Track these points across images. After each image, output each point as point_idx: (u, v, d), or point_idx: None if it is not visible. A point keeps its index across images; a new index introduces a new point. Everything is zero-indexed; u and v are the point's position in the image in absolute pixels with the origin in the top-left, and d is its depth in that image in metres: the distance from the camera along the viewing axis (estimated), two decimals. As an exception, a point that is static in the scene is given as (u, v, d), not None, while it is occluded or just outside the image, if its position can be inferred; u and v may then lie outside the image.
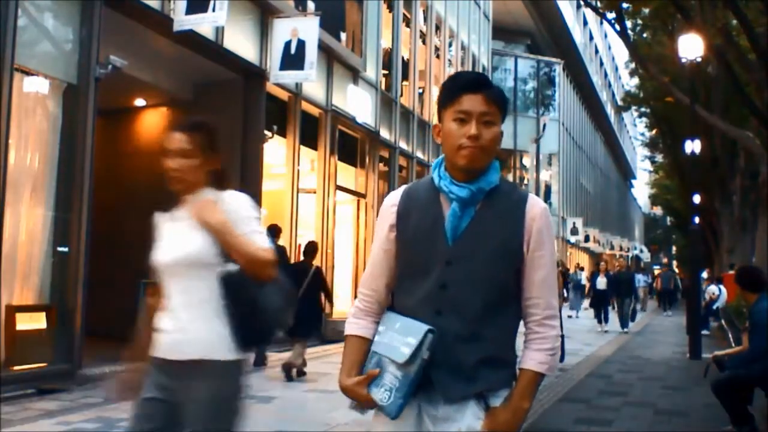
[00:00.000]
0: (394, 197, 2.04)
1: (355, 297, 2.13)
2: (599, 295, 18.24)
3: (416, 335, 1.81)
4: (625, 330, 17.47)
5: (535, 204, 1.94)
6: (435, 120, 2.03)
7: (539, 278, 1.92)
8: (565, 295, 18.85)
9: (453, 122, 1.90)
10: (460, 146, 1.88)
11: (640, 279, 27.83)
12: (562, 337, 9.17)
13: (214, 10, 8.76)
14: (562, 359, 9.25)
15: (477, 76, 1.95)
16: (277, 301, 2.56)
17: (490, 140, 1.89)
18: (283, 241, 10.89)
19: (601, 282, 18.20)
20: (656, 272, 37.64)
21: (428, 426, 1.89)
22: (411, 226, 1.96)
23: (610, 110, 54.72)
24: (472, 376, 1.87)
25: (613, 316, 18.62)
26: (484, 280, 1.88)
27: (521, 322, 1.99)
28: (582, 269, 30.04)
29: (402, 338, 1.84)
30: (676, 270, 56.22)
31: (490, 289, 1.89)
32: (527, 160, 37.87)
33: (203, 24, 9.09)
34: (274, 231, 10.59)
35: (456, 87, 1.92)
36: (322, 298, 9.29)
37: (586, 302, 20.03)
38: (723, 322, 16.02)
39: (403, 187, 2.08)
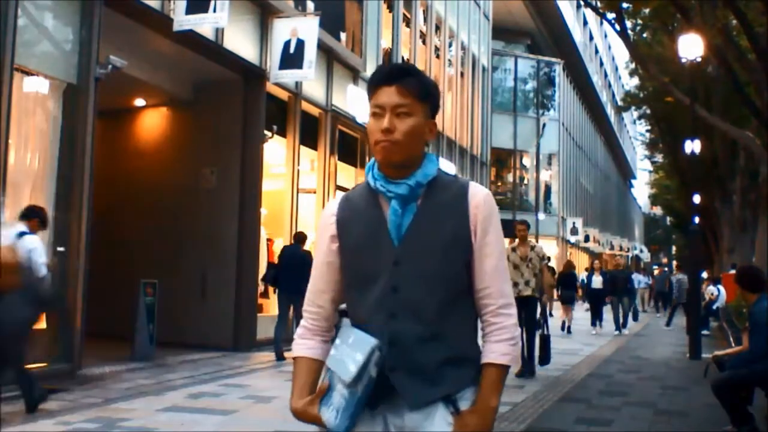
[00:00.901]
0: (332, 207, 1.95)
1: None
2: (594, 294, 17.63)
3: (363, 351, 1.72)
4: (618, 332, 16.73)
5: (477, 192, 1.86)
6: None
7: (490, 267, 1.84)
8: (558, 293, 18.39)
9: (371, 117, 1.84)
10: (376, 141, 1.81)
11: (641, 280, 27.57)
12: (548, 337, 9.19)
13: (215, 11, 8.76)
14: (547, 361, 9.14)
15: (393, 67, 1.86)
16: (19, 313, 2.40)
17: (405, 132, 1.79)
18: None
19: (596, 281, 17.51)
20: (656, 272, 37.59)
21: None
22: (353, 233, 1.88)
23: (610, 110, 54.73)
24: (435, 378, 1.79)
25: (609, 317, 17.80)
26: (436, 277, 1.80)
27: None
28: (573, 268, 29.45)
29: (352, 353, 1.74)
30: (676, 270, 56.14)
31: (443, 285, 1.81)
32: (527, 160, 37.88)
33: (204, 24, 9.10)
34: (299, 238, 10.63)
35: (372, 81, 1.85)
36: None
37: (586, 304, 19.50)
38: (723, 322, 16.03)
39: (340, 195, 2.01)
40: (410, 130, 1.81)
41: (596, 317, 17.35)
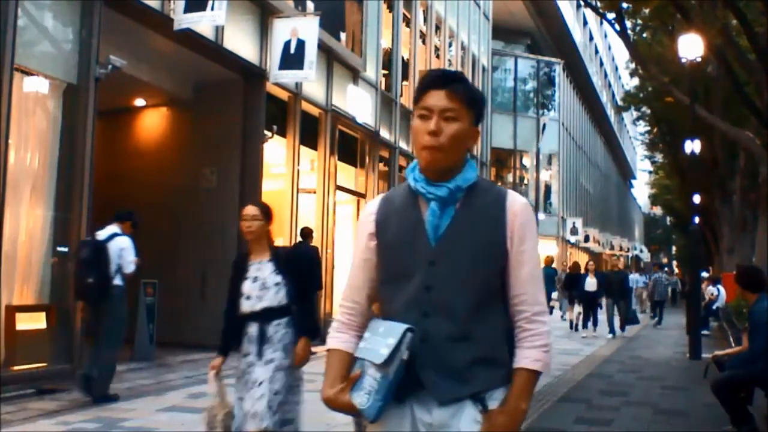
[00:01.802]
0: (372, 206, 2.01)
1: None
2: (588, 297, 16.53)
3: (395, 335, 1.77)
4: (612, 335, 15.93)
5: (516, 200, 1.91)
6: None
7: (525, 274, 1.88)
8: (554, 296, 18.07)
9: (417, 119, 1.89)
10: (422, 145, 1.86)
11: (639, 280, 27.45)
12: None
13: (213, 9, 8.76)
14: None
15: (444, 72, 1.92)
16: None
17: (450, 136, 1.85)
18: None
19: (590, 283, 16.49)
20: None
21: None
22: (391, 231, 1.93)
23: (610, 110, 54.72)
24: (464, 376, 1.83)
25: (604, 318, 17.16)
26: (469, 279, 1.85)
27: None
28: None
29: (383, 340, 1.80)
30: (676, 270, 56.14)
31: (476, 287, 1.85)
32: (527, 160, 37.87)
33: (202, 22, 9.09)
34: (305, 233, 10.70)
35: (422, 84, 1.90)
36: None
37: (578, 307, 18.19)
38: (723, 322, 16.03)
39: (381, 195, 2.06)
40: (455, 134, 1.86)
41: (588, 320, 16.51)
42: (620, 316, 16.71)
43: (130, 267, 7.06)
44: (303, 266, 4.43)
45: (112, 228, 7.11)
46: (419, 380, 1.81)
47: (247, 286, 4.07)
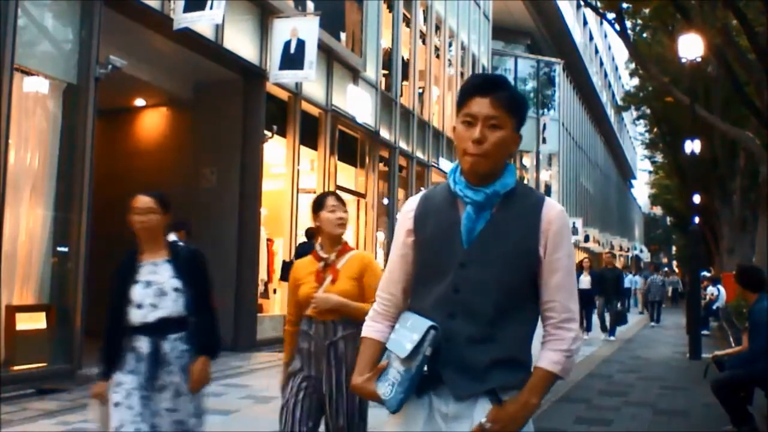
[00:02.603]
0: (412, 203, 2.05)
1: None
2: (581, 296, 16.21)
3: (420, 331, 1.84)
4: (611, 338, 15.07)
5: (552, 207, 1.94)
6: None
7: (556, 282, 1.91)
8: None
9: (461, 125, 1.92)
10: (465, 151, 1.90)
11: (638, 280, 27.38)
12: None
13: (211, 8, 8.77)
14: None
15: (488, 78, 1.95)
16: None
17: (494, 144, 1.88)
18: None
19: (584, 281, 15.45)
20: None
21: (440, 426, 1.91)
22: (428, 229, 1.97)
23: (610, 110, 54.72)
24: (483, 376, 1.88)
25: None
26: (497, 283, 1.88)
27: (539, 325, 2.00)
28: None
29: (409, 334, 1.87)
30: (676, 270, 56.07)
31: (503, 291, 1.89)
32: (527, 160, 37.89)
33: (201, 21, 9.09)
34: (310, 234, 10.72)
35: (466, 90, 1.94)
36: None
37: None
38: (723, 322, 16.03)
39: (422, 192, 2.10)
40: (499, 141, 1.90)
41: (583, 322, 14.97)
42: (610, 317, 15.47)
43: None
44: (204, 269, 3.71)
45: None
46: (438, 376, 1.88)
47: (137, 293, 3.35)
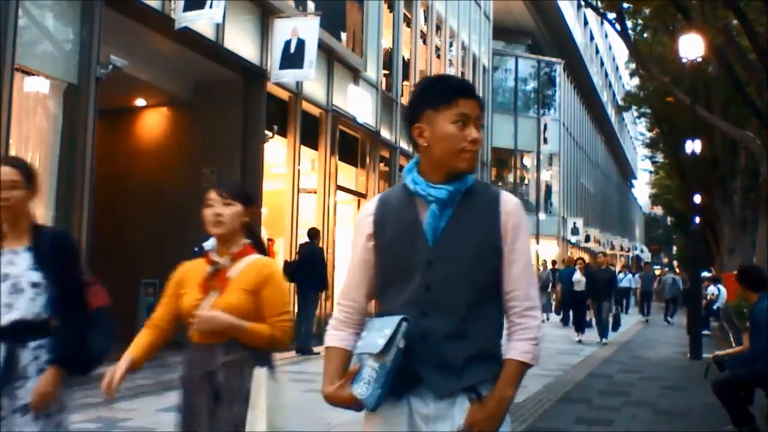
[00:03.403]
0: (370, 207, 2.07)
1: None
2: (576, 297, 14.83)
3: (391, 326, 1.84)
4: (604, 341, 14.05)
5: (509, 200, 1.99)
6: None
7: (516, 271, 1.95)
8: None
9: (452, 125, 1.93)
10: (463, 149, 1.93)
11: (635, 279, 27.26)
12: None
13: (211, 7, 8.78)
14: None
15: (465, 81, 2.05)
16: None
17: (481, 142, 1.98)
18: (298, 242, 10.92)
19: (578, 281, 14.80)
20: (656, 273, 37.49)
21: (420, 427, 1.91)
22: (389, 232, 1.99)
23: (610, 110, 54.71)
24: (460, 372, 1.90)
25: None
26: (466, 278, 1.91)
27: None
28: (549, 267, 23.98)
29: (379, 333, 1.86)
30: (677, 270, 56.01)
31: (473, 286, 1.92)
32: (528, 160, 37.88)
33: (200, 20, 9.10)
34: (312, 234, 10.75)
35: (453, 90, 1.96)
36: None
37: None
38: (723, 322, 16.01)
39: (377, 196, 2.11)
40: (483, 140, 2.05)
41: (573, 320, 15.00)
42: (599, 319, 14.32)
43: None
44: (73, 259, 2.90)
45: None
46: (417, 376, 1.89)
47: None
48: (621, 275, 24.13)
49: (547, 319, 19.28)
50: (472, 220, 1.95)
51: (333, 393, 1.93)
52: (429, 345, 1.89)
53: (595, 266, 16.56)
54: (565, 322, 18.10)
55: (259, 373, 2.64)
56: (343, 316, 2.06)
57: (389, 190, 2.10)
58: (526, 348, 1.92)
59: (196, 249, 10.37)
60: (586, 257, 36.25)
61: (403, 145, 17.80)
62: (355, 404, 1.87)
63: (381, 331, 1.86)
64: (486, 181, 27.04)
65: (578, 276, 14.90)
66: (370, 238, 2.02)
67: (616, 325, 15.24)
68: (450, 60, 22.36)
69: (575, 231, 39.12)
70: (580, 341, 14.20)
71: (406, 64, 18.46)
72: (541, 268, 23.34)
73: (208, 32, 10.04)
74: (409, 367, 1.86)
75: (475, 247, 1.92)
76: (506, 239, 1.94)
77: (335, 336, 2.05)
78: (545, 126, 36.60)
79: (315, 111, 13.42)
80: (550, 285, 20.90)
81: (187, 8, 8.93)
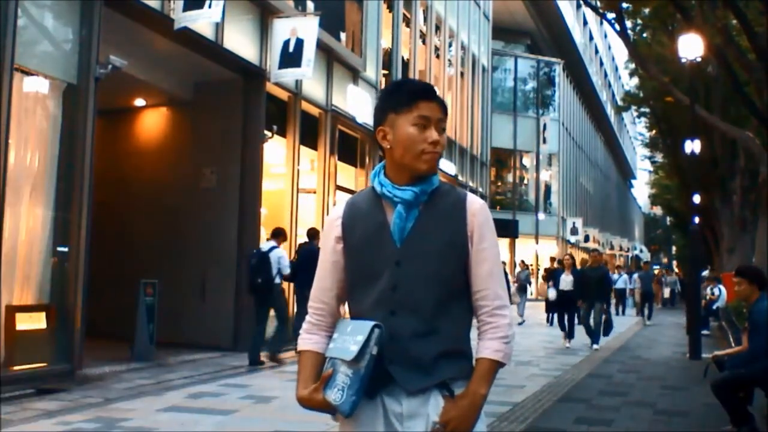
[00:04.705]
0: (339, 210, 2.10)
1: None
2: (563, 298, 13.88)
3: (364, 332, 1.86)
4: (595, 346, 12.84)
5: (474, 201, 2.02)
6: None
7: (485, 271, 1.98)
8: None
9: (412, 127, 1.95)
10: (423, 151, 1.95)
11: (632, 279, 27.18)
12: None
13: (210, 7, 8.78)
14: None
15: (428, 84, 2.05)
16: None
17: (443, 145, 1.98)
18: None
19: (566, 281, 13.84)
20: (656, 273, 37.50)
21: (395, 426, 1.93)
22: (357, 234, 2.02)
23: (610, 110, 54.74)
24: (431, 369, 1.92)
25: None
26: (433, 277, 1.94)
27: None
28: (527, 267, 23.25)
29: (352, 338, 1.88)
30: (676, 269, 56.02)
31: (440, 285, 1.94)
32: (527, 160, 37.90)
33: (199, 20, 9.10)
34: (312, 234, 10.75)
35: (413, 93, 1.97)
36: None
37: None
38: (723, 322, 16.02)
39: (346, 200, 2.14)
40: (445, 142, 2.01)
41: (564, 324, 13.86)
42: (585, 322, 13.08)
43: (286, 270, 9.69)
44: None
45: (271, 242, 9.79)
46: (388, 374, 1.91)
47: None
48: (615, 276, 24.13)
49: (523, 322, 18.76)
50: (438, 221, 1.97)
51: (307, 396, 1.94)
52: (398, 344, 1.90)
53: (588, 265, 14.58)
54: (550, 322, 18.06)
55: None
56: (315, 319, 2.08)
57: (358, 194, 2.13)
58: (497, 347, 1.94)
59: (255, 252, 10.53)
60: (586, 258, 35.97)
61: (403, 145, 17.78)
62: (328, 408, 1.90)
63: (353, 336, 1.88)
64: (485, 180, 27.00)
65: (565, 275, 14.00)
66: (338, 241, 2.05)
67: (608, 329, 13.65)
68: (449, 60, 22.37)
69: (574, 231, 39.16)
70: (567, 348, 13.09)
71: (406, 64, 18.47)
72: (519, 268, 23.39)
73: (208, 32, 10.04)
74: (380, 366, 1.87)
75: (442, 246, 1.95)
76: (473, 239, 1.97)
77: (308, 339, 2.06)
78: (544, 126, 36.65)
79: (314, 111, 13.43)
80: (528, 285, 21.09)
81: (186, 8, 8.94)
